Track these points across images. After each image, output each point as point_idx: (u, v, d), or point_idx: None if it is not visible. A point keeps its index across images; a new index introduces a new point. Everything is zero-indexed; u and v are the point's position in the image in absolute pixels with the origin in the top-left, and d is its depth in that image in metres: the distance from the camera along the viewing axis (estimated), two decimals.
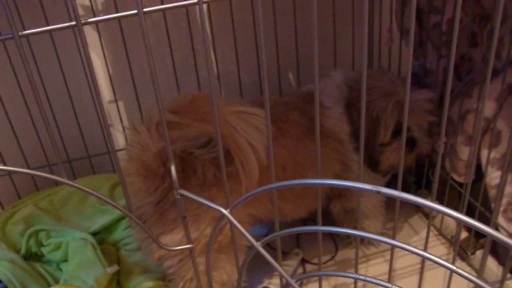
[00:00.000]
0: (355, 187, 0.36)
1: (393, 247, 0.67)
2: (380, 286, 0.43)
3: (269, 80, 1.13)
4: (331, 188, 0.98)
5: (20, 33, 0.42)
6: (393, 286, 0.43)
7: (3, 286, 0.88)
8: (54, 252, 0.98)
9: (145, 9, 0.44)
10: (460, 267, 0.93)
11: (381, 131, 0.92)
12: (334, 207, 1.02)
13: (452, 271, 0.39)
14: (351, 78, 0.98)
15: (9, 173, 1.12)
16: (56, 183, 1.17)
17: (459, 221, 0.32)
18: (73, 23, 0.44)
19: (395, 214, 0.65)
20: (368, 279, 0.43)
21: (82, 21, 0.44)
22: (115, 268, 0.91)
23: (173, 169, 0.47)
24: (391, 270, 0.69)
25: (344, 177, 0.95)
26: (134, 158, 0.70)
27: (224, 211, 0.44)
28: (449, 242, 1.01)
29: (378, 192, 0.33)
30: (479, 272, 0.90)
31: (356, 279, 0.57)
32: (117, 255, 0.99)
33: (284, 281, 0.52)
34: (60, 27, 0.46)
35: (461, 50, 0.92)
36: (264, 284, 0.93)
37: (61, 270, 0.96)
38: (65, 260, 0.96)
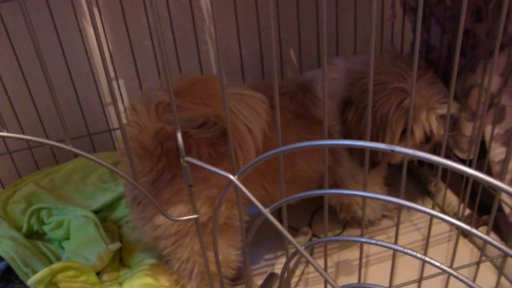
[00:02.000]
0: (367, 147, 0.35)
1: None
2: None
3: (270, 59, 1.13)
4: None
5: None
6: (397, 246, 0.42)
7: (5, 264, 0.88)
8: (55, 230, 0.98)
9: None
10: (463, 243, 0.94)
11: (387, 135, 0.84)
12: (331, 201, 1.00)
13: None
14: (354, 70, 0.89)
15: (10, 152, 1.11)
16: (57, 162, 1.17)
17: (469, 176, 0.32)
18: None
19: (401, 188, 0.64)
20: (374, 241, 0.43)
21: None
22: (117, 245, 0.92)
23: (179, 136, 0.46)
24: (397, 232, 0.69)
25: (335, 171, 0.93)
26: (131, 138, 0.69)
27: (231, 177, 0.44)
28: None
29: (392, 151, 0.33)
30: (482, 248, 0.90)
31: (362, 243, 0.58)
32: (119, 233, 0.99)
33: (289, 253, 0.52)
34: None
35: (466, 26, 0.91)
36: (273, 271, 0.92)
37: (63, 248, 0.96)
38: (67, 238, 0.96)
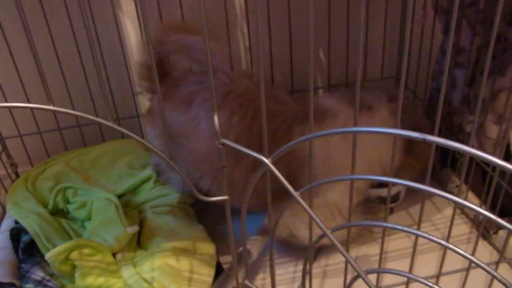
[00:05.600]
0: (395, 133, 0.36)
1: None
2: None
3: (299, 56, 1.14)
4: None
5: None
6: (421, 232, 0.44)
7: (29, 237, 0.92)
8: (79, 210, 1.00)
9: None
10: (482, 245, 0.94)
11: None
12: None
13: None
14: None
15: (40, 132, 1.15)
16: (85, 144, 1.19)
17: (495, 165, 0.33)
18: None
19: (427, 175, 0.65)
20: (400, 227, 0.44)
21: None
22: (135, 228, 0.93)
23: (216, 118, 0.48)
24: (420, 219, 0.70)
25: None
26: None
27: (265, 159, 0.46)
28: (472, 221, 1.02)
29: (424, 140, 0.34)
30: (501, 251, 0.90)
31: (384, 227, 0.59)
32: (140, 218, 1.00)
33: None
34: None
35: (498, 29, 0.90)
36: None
37: (85, 228, 0.99)
38: (89, 219, 0.99)
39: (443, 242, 0.42)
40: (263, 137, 0.48)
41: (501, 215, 0.97)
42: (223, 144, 0.49)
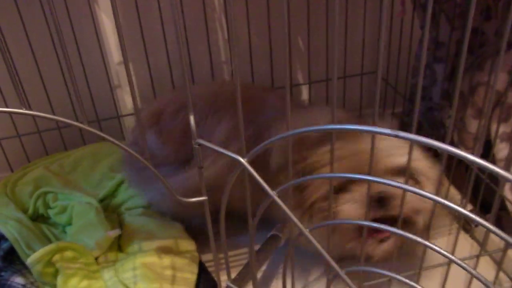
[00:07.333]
0: (370, 131, 0.36)
1: None
2: None
3: (277, 43, 1.13)
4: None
5: None
6: (397, 230, 0.43)
7: (8, 244, 0.90)
8: (60, 215, 0.99)
9: None
10: (463, 238, 0.94)
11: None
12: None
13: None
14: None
15: (19, 135, 1.13)
16: (66, 148, 1.18)
17: (475, 164, 0.33)
18: None
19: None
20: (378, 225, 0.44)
21: None
22: (117, 232, 0.91)
23: (192, 119, 0.47)
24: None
25: None
26: None
27: (241, 159, 0.45)
28: (453, 214, 1.02)
29: (396, 136, 0.34)
30: (482, 244, 0.91)
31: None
32: (119, 221, 0.99)
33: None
34: None
35: (474, 24, 0.92)
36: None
37: (66, 233, 0.97)
38: (70, 224, 0.97)
39: (422, 241, 0.42)
40: (239, 136, 0.47)
41: (484, 211, 0.98)
42: (199, 145, 0.48)
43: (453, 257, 0.43)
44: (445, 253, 0.45)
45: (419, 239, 0.45)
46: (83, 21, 1.09)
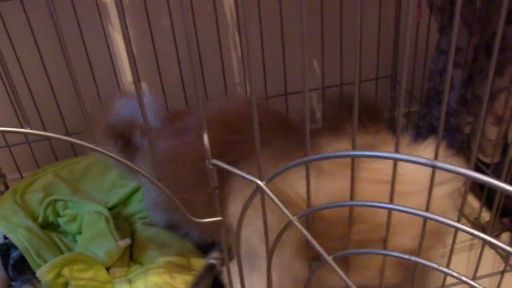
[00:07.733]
0: (398, 159, 0.34)
1: None
2: None
3: (292, 69, 1.11)
4: None
5: None
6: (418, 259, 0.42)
7: (19, 253, 0.89)
8: (70, 224, 0.98)
9: None
10: (485, 250, 0.91)
11: None
12: None
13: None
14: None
15: (29, 141, 1.12)
16: (75, 154, 1.17)
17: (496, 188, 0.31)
18: None
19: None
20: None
21: None
22: (127, 241, 0.91)
23: (205, 137, 0.45)
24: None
25: None
26: None
27: (259, 182, 0.43)
28: (472, 223, 1.00)
29: (434, 166, 0.31)
30: (506, 257, 0.88)
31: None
32: (131, 230, 0.98)
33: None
34: None
35: (494, 28, 0.89)
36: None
37: (76, 241, 0.96)
38: (81, 232, 0.96)
39: (442, 269, 0.40)
40: (257, 158, 0.45)
41: (501, 214, 0.95)
42: (213, 165, 0.46)
43: (472, 282, 0.41)
44: (464, 279, 0.43)
45: (435, 265, 0.43)
46: (96, 39, 1.09)
